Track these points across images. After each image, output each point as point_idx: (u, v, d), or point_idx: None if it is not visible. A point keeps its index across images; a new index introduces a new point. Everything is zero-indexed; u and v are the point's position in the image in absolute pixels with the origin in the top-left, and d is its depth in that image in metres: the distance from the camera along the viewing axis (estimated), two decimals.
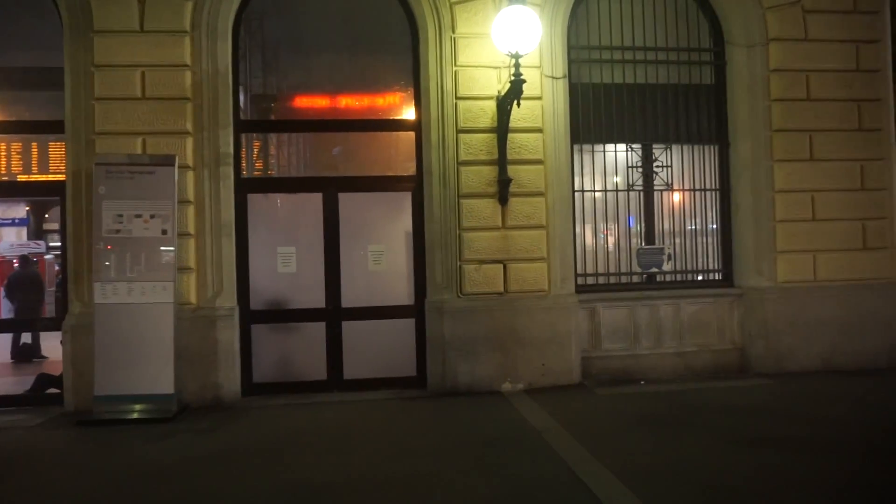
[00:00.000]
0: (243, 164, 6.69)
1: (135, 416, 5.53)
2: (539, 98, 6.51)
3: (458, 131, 6.41)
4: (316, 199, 6.60)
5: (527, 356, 6.38)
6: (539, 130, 6.51)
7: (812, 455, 4.22)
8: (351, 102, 6.92)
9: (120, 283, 5.61)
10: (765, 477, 3.87)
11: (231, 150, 6.28)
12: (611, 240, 7.09)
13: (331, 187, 6.61)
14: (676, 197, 7.25)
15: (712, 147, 7.21)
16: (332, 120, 6.83)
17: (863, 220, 6.94)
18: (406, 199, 6.68)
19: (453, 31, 6.45)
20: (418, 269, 6.58)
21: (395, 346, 6.64)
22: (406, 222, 6.68)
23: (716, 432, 4.77)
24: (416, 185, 6.63)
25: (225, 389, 6.10)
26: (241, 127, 6.58)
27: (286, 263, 6.51)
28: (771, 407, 5.50)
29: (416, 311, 6.58)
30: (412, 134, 6.70)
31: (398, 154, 6.93)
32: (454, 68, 6.44)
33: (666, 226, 7.14)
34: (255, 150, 7.29)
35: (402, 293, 6.67)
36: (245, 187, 6.50)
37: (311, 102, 6.99)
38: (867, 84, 6.99)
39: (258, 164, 7.37)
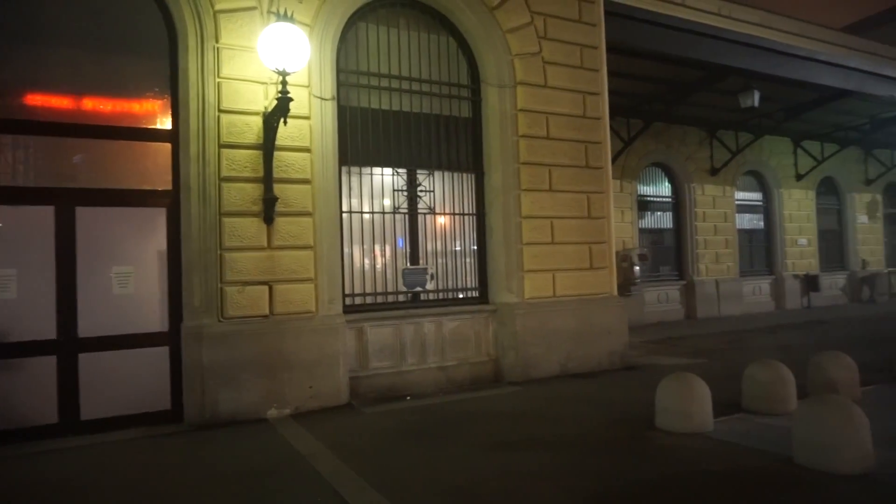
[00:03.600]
0: None
1: None
2: (307, 118, 6.48)
3: (221, 146, 6.08)
4: (47, 213, 5.72)
5: (294, 380, 6.21)
6: (307, 150, 6.47)
7: (550, 451, 4.76)
8: (97, 106, 6.13)
9: None
10: (511, 475, 4.25)
11: None
12: (378, 260, 7.28)
13: (66, 200, 5.79)
14: (440, 220, 7.73)
15: (470, 175, 7.85)
16: (72, 124, 5.96)
17: (589, 243, 8.11)
18: (160, 216, 6.12)
19: (217, 41, 6.14)
20: (174, 292, 6.05)
21: (145, 377, 5.98)
22: (160, 241, 6.11)
23: (472, 439, 5.14)
24: (172, 201, 6.11)
25: None
26: None
27: (3, 288, 5.51)
28: (519, 411, 6.09)
29: (170, 337, 6.03)
30: (169, 145, 6.19)
31: (153, 166, 6.30)
32: (217, 79, 6.11)
33: (430, 247, 7.56)
34: None
35: (154, 319, 6.05)
36: None
37: (44, 101, 6.02)
38: (591, 128, 8.24)
39: None
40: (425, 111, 7.57)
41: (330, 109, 6.67)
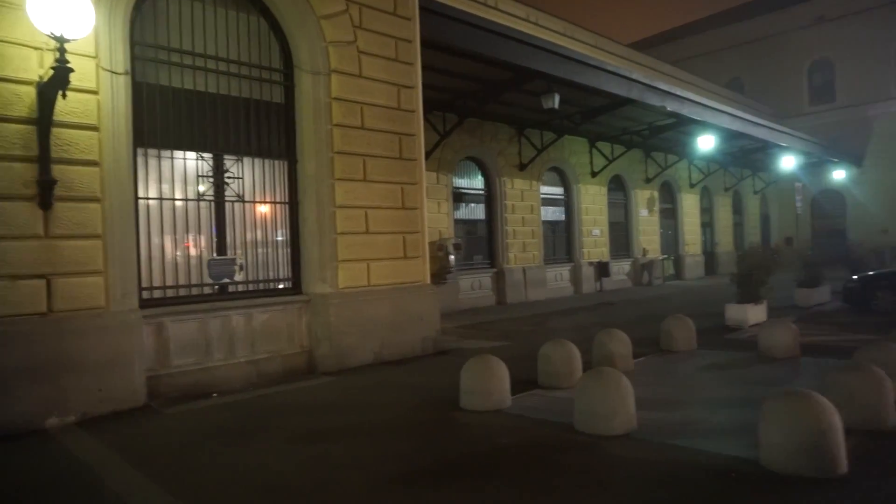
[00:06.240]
0: None
1: None
2: (95, 92, 5.84)
3: None
4: None
5: (80, 383, 5.60)
6: (95, 128, 5.83)
7: (359, 438, 4.85)
8: None
9: None
10: (320, 466, 4.26)
11: None
12: (181, 251, 6.80)
13: None
14: (253, 209, 7.41)
15: (283, 162, 7.63)
16: None
17: (403, 233, 8.32)
18: None
19: None
20: None
21: None
22: None
23: (281, 433, 5.04)
24: None
25: None
26: None
27: None
28: (331, 402, 6.10)
29: None
30: None
31: None
32: None
33: (240, 237, 7.22)
34: None
35: None
36: None
37: None
38: (406, 121, 8.43)
39: None
40: (234, 94, 7.19)
41: (122, 85, 6.07)
